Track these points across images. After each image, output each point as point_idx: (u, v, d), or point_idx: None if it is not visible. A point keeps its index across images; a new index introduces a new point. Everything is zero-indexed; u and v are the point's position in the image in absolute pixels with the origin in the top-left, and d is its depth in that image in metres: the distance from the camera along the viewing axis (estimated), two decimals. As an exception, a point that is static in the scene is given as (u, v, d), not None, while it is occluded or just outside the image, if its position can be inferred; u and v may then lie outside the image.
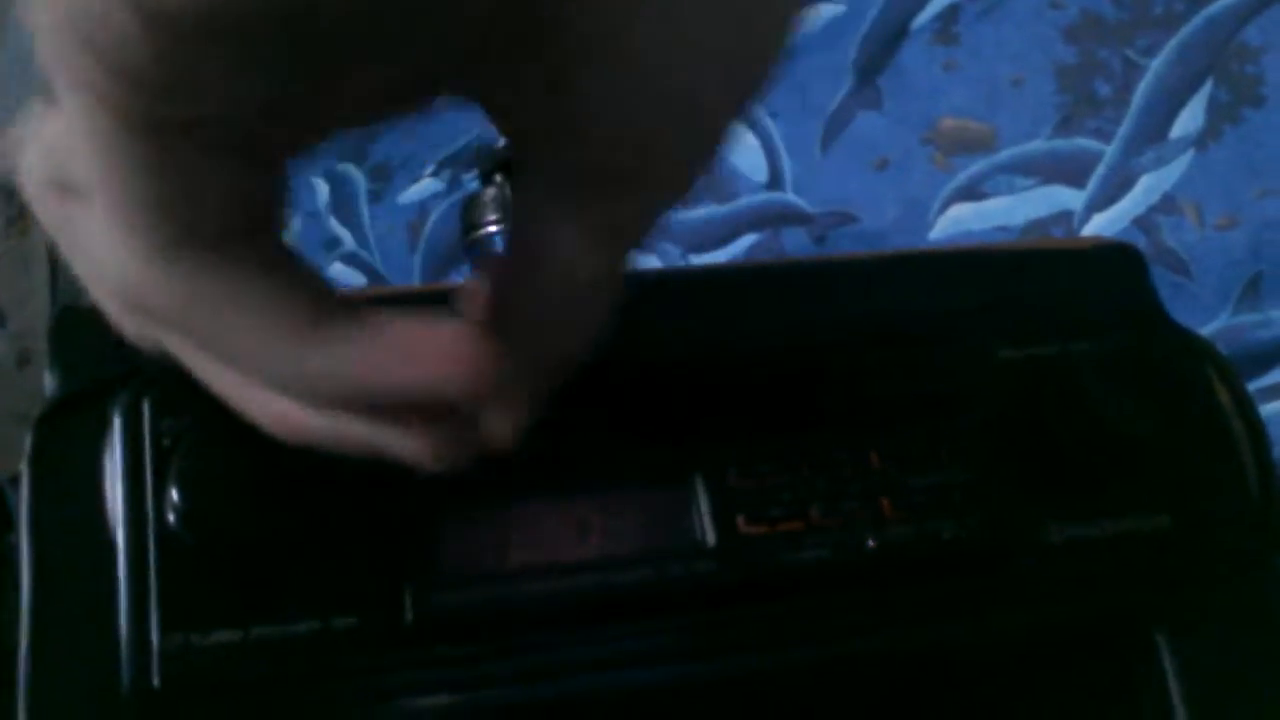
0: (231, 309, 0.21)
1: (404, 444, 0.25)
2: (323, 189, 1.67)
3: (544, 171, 0.25)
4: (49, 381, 0.35)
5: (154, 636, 0.32)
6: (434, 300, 0.27)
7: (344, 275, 1.63)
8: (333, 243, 1.65)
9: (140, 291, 0.21)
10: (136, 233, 0.20)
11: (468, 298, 0.27)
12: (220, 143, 0.20)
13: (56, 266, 1.45)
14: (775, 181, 1.34)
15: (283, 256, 0.23)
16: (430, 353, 0.23)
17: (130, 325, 0.25)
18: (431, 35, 0.21)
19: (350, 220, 1.63)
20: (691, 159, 0.25)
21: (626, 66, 0.22)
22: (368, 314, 0.23)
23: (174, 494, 0.32)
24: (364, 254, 1.64)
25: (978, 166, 1.22)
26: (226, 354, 0.22)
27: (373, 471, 0.28)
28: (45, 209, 0.24)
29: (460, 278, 1.24)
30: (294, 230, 1.69)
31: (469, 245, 0.87)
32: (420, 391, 0.23)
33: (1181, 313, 0.44)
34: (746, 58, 0.24)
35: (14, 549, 0.34)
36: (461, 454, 0.26)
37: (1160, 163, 1.13)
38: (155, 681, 0.32)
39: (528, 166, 0.26)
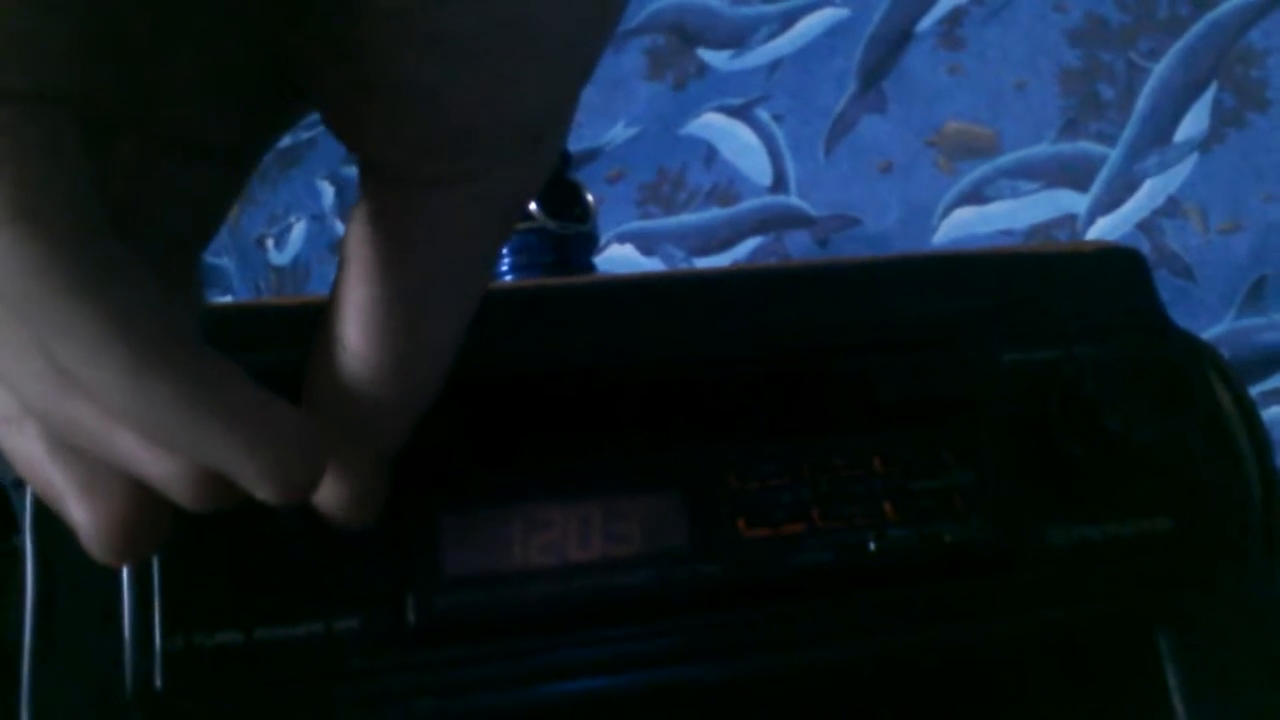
0: (67, 300, 0.19)
1: (162, 477, 0.24)
2: (328, 191, 1.68)
3: (371, 176, 0.25)
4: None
5: (157, 638, 0.32)
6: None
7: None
8: (338, 245, 1.65)
9: None
10: None
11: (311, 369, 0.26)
12: (56, 115, 0.19)
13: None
14: (779, 185, 1.34)
15: (134, 271, 0.21)
16: (274, 428, 0.22)
17: None
18: None
19: (355, 223, 1.64)
20: (529, 147, 0.24)
21: (436, 44, 0.21)
22: (224, 365, 0.22)
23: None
24: (369, 257, 1.64)
25: (981, 170, 1.22)
26: (51, 342, 0.20)
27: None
28: None
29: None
30: (299, 233, 1.69)
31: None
32: (243, 461, 0.22)
33: (1185, 316, 0.44)
34: (576, 28, 0.22)
35: (18, 551, 0.34)
36: (215, 504, 0.24)
37: (1164, 166, 1.13)
38: (158, 683, 0.32)
39: (361, 174, 0.25)
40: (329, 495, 0.27)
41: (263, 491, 0.22)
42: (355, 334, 0.25)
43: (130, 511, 0.24)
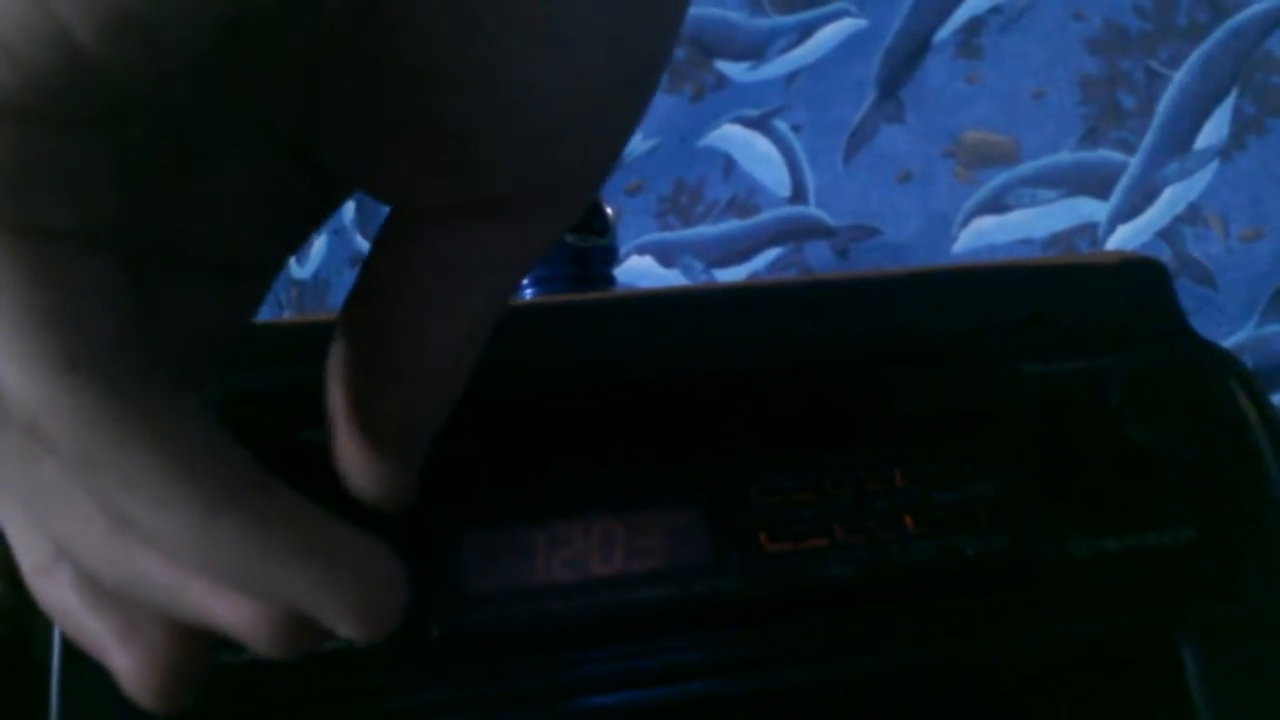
0: (130, 449, 0.18)
1: (239, 625, 0.23)
2: (348, 206, 1.68)
3: (411, 211, 0.24)
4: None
5: (183, 655, 0.33)
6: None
7: (369, 291, 1.65)
8: (358, 259, 1.66)
9: (30, 411, 0.18)
10: (26, 350, 0.18)
11: (334, 362, 0.26)
12: (98, 253, 0.19)
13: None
14: (798, 195, 1.34)
15: (192, 410, 0.20)
16: (356, 582, 0.21)
17: (16, 451, 0.21)
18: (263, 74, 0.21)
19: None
20: (578, 179, 0.24)
21: (487, 77, 0.20)
22: (294, 499, 0.21)
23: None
24: (389, 270, 1.65)
25: (1001, 179, 1.22)
26: (114, 496, 0.19)
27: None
28: None
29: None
30: (319, 247, 1.70)
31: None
32: (319, 611, 0.21)
33: (1207, 324, 0.44)
34: (634, 51, 0.22)
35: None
36: (298, 649, 0.23)
37: (1185, 174, 1.13)
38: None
39: (396, 211, 0.24)
40: (370, 473, 0.26)
41: (349, 630, 0.21)
42: (405, 316, 0.25)
43: (173, 654, 0.24)
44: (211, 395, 0.25)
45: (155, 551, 0.21)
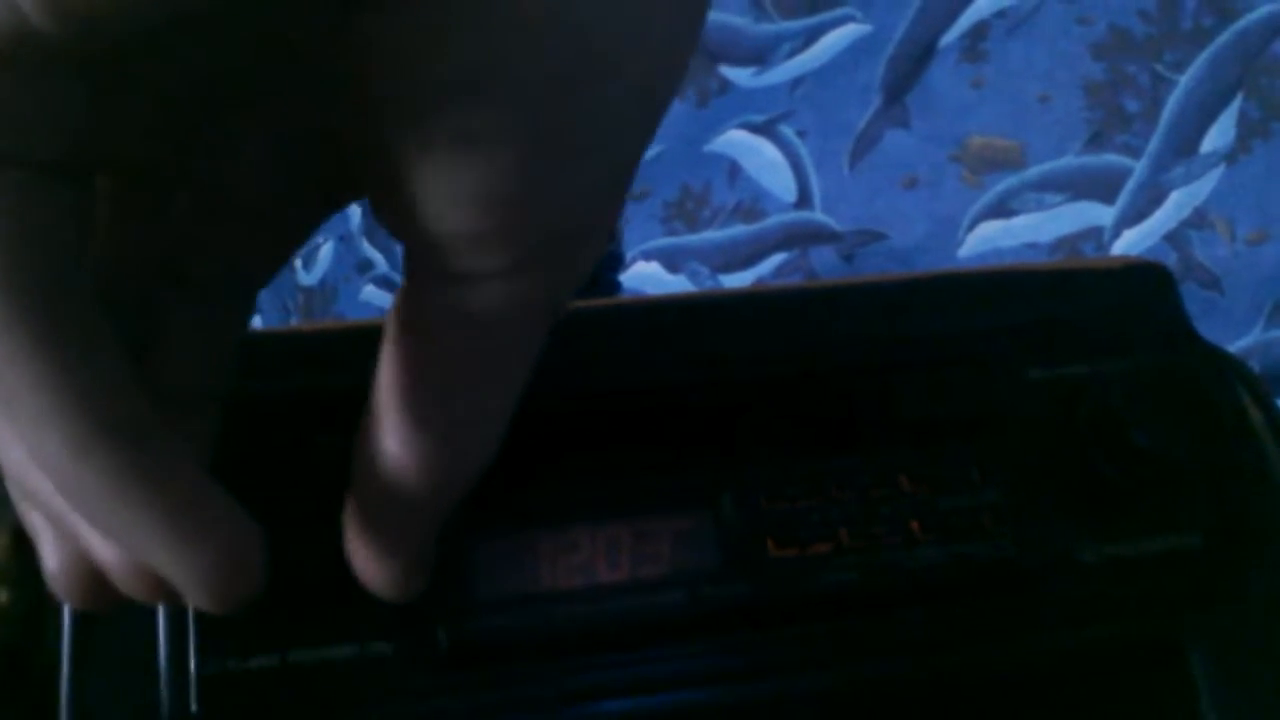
0: (21, 366, 0.19)
1: (105, 562, 0.23)
2: (355, 212, 1.69)
3: (412, 260, 0.23)
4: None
5: (192, 662, 0.33)
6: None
7: (376, 297, 1.65)
8: (365, 265, 1.66)
9: None
10: None
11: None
12: (51, 185, 0.19)
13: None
14: (804, 200, 1.34)
15: (104, 351, 0.20)
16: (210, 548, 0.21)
17: None
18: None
19: (383, 243, 1.65)
20: (575, 228, 0.22)
21: (466, 144, 0.19)
22: (177, 462, 0.21)
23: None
24: (396, 276, 1.65)
25: (1007, 184, 1.22)
26: (6, 406, 0.20)
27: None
28: None
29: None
30: (326, 253, 1.70)
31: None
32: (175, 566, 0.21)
33: (1213, 328, 0.44)
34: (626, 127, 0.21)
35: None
36: (155, 598, 0.23)
37: (1190, 178, 1.13)
38: (193, 707, 0.33)
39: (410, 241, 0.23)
40: (377, 573, 0.26)
41: (193, 598, 0.22)
42: (392, 420, 0.24)
43: (91, 565, 0.24)
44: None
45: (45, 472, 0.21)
